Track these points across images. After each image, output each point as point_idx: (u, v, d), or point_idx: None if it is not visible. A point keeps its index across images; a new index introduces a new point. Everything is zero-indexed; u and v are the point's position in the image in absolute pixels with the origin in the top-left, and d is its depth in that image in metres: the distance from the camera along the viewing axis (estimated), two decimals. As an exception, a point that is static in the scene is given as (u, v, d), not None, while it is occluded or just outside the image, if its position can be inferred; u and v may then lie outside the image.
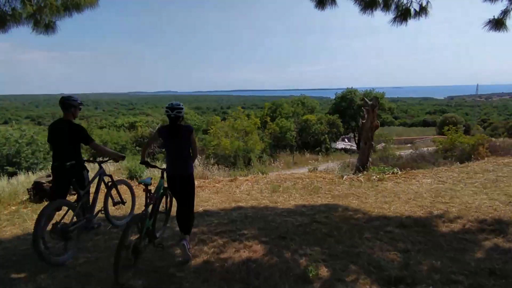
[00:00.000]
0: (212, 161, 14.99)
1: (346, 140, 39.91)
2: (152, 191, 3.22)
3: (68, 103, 3.55)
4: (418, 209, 4.38)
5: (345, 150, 30.83)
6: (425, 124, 70.03)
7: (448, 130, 16.30)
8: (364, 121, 8.38)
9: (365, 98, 8.56)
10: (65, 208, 3.39)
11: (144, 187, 3.15)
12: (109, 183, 4.04)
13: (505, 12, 4.02)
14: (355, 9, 4.56)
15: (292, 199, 5.34)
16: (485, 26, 4.17)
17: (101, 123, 40.07)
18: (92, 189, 3.78)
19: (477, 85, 73.34)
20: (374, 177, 7.12)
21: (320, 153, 26.86)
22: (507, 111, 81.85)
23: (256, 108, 60.59)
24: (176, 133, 3.23)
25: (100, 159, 4.13)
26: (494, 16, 4.14)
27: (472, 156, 13.83)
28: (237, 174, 19.09)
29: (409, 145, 34.38)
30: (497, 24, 4.06)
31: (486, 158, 8.30)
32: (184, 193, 3.35)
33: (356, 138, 35.22)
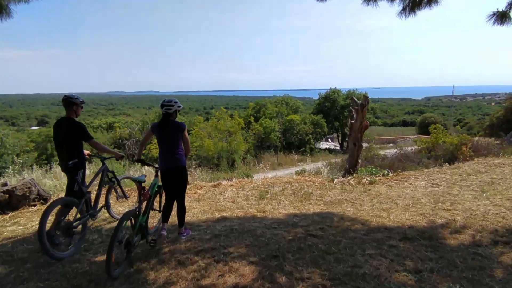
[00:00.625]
0: (194, 163, 14.35)
1: (329, 140, 40.07)
2: (146, 189, 3.34)
3: (70, 101, 3.63)
4: (420, 218, 4.01)
5: (329, 150, 30.84)
6: (404, 124, 71.81)
7: (435, 129, 16.40)
8: (353, 121, 8.03)
9: (354, 97, 8.21)
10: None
11: (138, 184, 3.30)
12: (112, 179, 4.21)
13: (511, 4, 3.73)
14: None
15: (282, 207, 4.87)
16: (489, 19, 3.87)
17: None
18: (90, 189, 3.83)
19: (454, 86, 75.89)
20: (365, 180, 6.80)
21: (304, 154, 26.66)
22: (480, 111, 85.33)
23: (240, 108, 59.97)
24: (166, 128, 3.43)
25: (105, 155, 4.23)
26: (498, 9, 3.85)
27: (456, 155, 13.93)
28: (221, 176, 18.51)
29: (391, 144, 34.86)
30: (502, 17, 3.77)
31: (475, 159, 8.15)
32: (176, 186, 3.53)
33: (340, 138, 35.35)
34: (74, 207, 3.48)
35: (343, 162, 17.92)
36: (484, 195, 4.88)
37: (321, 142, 34.57)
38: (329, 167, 9.76)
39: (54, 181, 7.57)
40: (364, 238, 3.45)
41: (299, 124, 28.51)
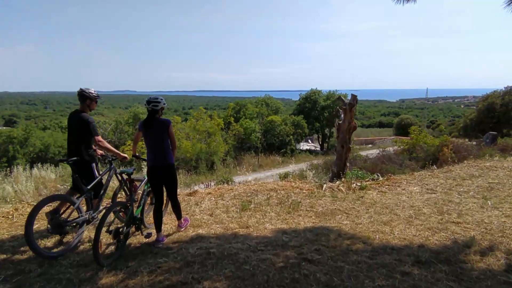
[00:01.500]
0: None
1: (309, 141, 39.98)
2: (135, 181, 3.61)
3: (84, 94, 3.67)
4: (429, 234, 3.47)
5: (310, 152, 30.61)
6: (381, 125, 73.66)
7: (415, 130, 16.36)
8: (340, 121, 7.51)
9: (342, 97, 7.69)
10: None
11: (126, 176, 3.52)
12: (120, 181, 4.00)
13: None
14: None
15: (268, 220, 4.20)
16: (506, 6, 3.42)
17: (45, 123, 35.80)
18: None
19: (427, 89, 78.65)
20: (355, 185, 6.29)
21: (285, 155, 26.21)
22: (451, 113, 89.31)
23: (219, 109, 58.86)
24: (151, 125, 3.42)
25: (111, 156, 4.05)
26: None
27: (438, 157, 13.86)
28: (199, 179, 17.63)
29: (370, 145, 35.23)
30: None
31: (466, 162, 7.86)
32: (165, 184, 3.56)
33: (320, 139, 35.26)
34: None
35: (326, 163, 17.61)
36: (489, 203, 4.44)
37: (302, 143, 34.33)
38: (314, 170, 9.21)
39: (14, 187, 6.67)
40: (370, 262, 2.84)
41: (280, 125, 28.04)
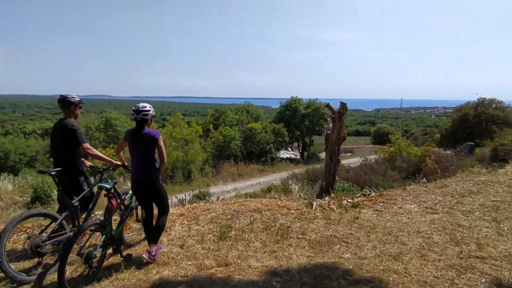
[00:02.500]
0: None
1: (289, 149, 39.62)
2: (116, 197, 3.26)
3: (68, 100, 3.46)
4: (453, 274, 2.81)
5: (290, 160, 30.16)
6: (357, 133, 75.27)
7: (397, 139, 16.19)
8: (329, 131, 6.89)
9: (330, 105, 7.10)
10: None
11: (105, 192, 3.11)
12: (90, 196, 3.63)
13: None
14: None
15: (252, 253, 3.41)
16: None
17: (7, 128, 33.10)
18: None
19: (402, 99, 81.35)
20: (345, 202, 5.67)
21: (265, 163, 25.55)
22: (423, 123, 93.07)
23: (198, 115, 57.55)
24: (139, 137, 3.12)
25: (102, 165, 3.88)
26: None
27: (421, 167, 13.65)
28: (175, 189, 16.52)
29: (349, 154, 35.33)
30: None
31: (458, 175, 7.45)
32: (151, 200, 3.30)
33: (300, 147, 34.95)
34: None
35: (308, 173, 17.10)
36: (505, 228, 3.90)
37: (282, 151, 33.86)
38: (299, 184, 8.53)
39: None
40: (392, 323, 2.13)
41: (260, 132, 27.41)
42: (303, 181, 11.79)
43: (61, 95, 3.50)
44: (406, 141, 17.45)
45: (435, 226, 4.16)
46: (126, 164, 3.57)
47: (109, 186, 3.09)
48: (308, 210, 5.03)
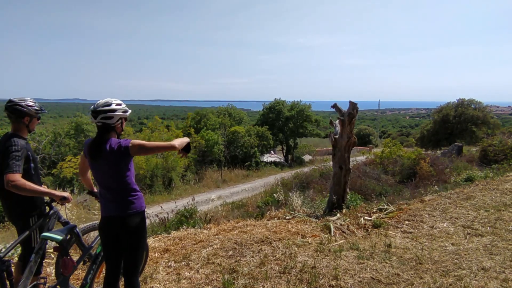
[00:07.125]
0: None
1: (272, 152, 38.74)
2: (68, 252, 2.26)
3: (19, 109, 2.41)
4: None
5: (275, 164, 29.26)
6: (337, 135, 75.63)
7: (389, 143, 15.66)
8: (337, 136, 5.94)
9: (338, 105, 6.14)
10: None
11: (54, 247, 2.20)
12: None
13: None
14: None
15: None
16: None
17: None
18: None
19: (379, 100, 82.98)
20: (363, 220, 4.76)
21: (250, 168, 24.48)
22: (398, 124, 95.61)
23: (178, 119, 55.51)
24: (100, 152, 2.04)
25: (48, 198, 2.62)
26: None
27: (416, 171, 13.06)
28: (155, 200, 15.02)
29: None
30: None
31: (477, 182, 6.72)
32: (124, 248, 2.11)
33: (284, 150, 34.16)
34: None
35: (296, 179, 16.19)
36: None
37: (266, 155, 32.92)
38: (295, 192, 7.48)
39: None
40: None
41: (244, 136, 26.31)
42: (294, 188, 10.79)
43: (10, 100, 2.45)
44: (398, 143, 16.94)
45: (495, 256, 3.27)
46: (95, 190, 2.55)
47: (59, 238, 2.06)
48: (327, 236, 4.02)
